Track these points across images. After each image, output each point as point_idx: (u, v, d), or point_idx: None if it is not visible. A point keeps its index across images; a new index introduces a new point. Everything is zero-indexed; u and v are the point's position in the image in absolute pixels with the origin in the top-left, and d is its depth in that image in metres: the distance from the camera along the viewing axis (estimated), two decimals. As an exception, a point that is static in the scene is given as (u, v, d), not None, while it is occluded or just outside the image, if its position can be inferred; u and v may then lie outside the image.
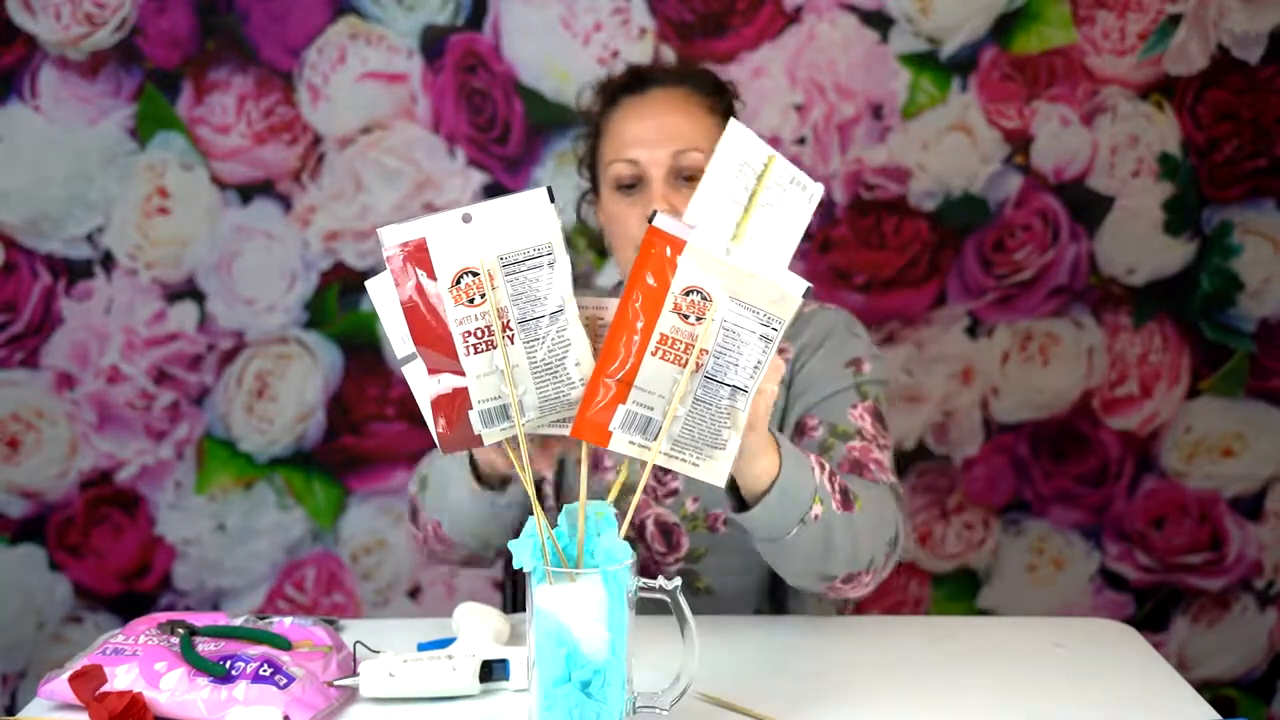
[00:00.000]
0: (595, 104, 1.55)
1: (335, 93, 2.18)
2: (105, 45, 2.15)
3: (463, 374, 1.02)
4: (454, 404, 1.03)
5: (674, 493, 1.50)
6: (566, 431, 1.05)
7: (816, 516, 1.20)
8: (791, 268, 1.12)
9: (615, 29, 2.17)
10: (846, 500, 1.23)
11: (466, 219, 1.01)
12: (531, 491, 1.05)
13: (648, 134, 1.44)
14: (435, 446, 1.42)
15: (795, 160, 2.18)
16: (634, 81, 1.50)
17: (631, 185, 1.45)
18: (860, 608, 1.78)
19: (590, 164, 1.55)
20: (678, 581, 1.05)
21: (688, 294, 1.02)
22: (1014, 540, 2.29)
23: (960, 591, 2.30)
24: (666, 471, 1.45)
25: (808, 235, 2.21)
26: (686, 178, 1.43)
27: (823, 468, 1.22)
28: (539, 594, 1.02)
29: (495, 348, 1.02)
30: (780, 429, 1.49)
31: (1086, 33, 2.18)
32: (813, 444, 1.42)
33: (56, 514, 2.24)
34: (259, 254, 2.20)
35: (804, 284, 1.04)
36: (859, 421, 1.42)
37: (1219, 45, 2.18)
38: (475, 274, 1.01)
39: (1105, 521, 2.29)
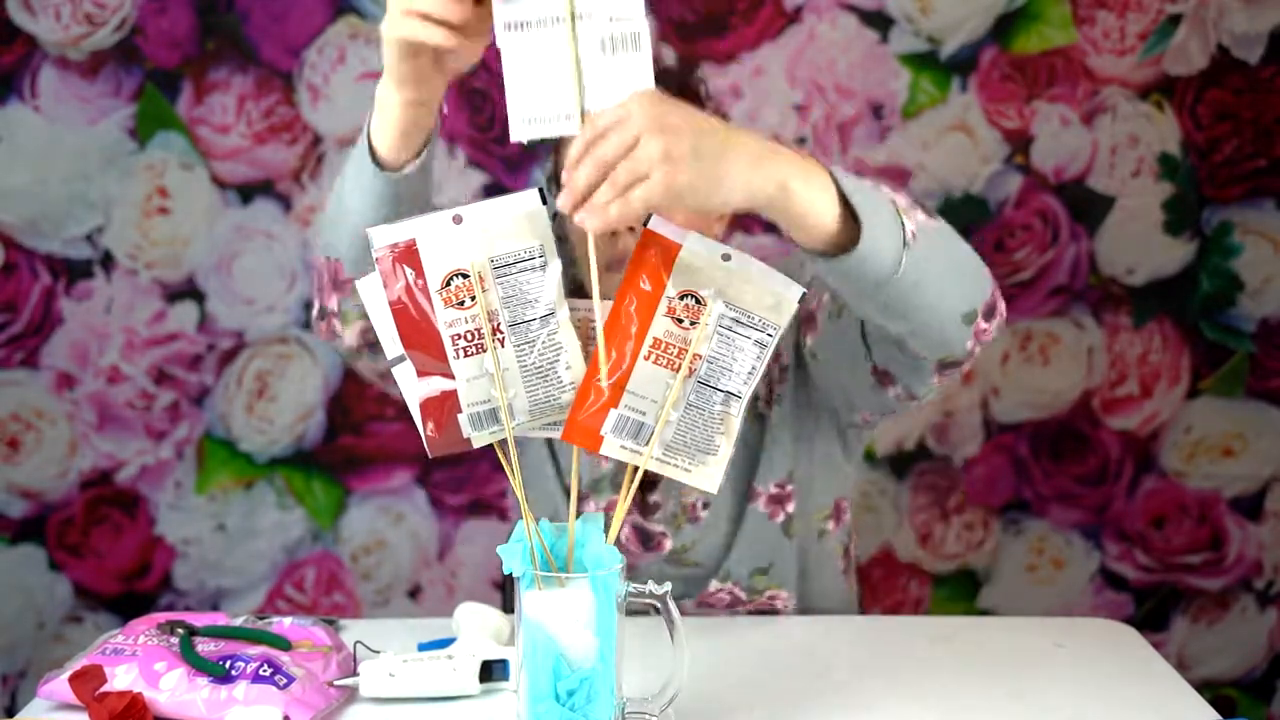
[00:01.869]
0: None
1: (335, 93, 2.18)
2: (105, 45, 2.15)
3: (452, 377, 1.02)
4: (443, 407, 1.02)
5: (658, 507, 1.44)
6: (558, 435, 1.05)
7: (914, 235, 1.05)
8: (790, 267, 1.12)
9: (615, 29, 2.16)
10: (928, 211, 1.09)
11: (457, 220, 1.00)
12: (522, 496, 1.04)
13: None
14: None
15: (795, 160, 2.19)
16: None
17: None
18: (860, 608, 1.78)
19: (556, 180, 1.52)
20: (667, 587, 1.05)
21: (682, 298, 1.02)
22: (1014, 540, 2.29)
23: (960, 592, 2.30)
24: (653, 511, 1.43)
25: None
26: None
27: (880, 183, 1.07)
28: (527, 600, 1.02)
29: (485, 351, 1.01)
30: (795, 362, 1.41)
31: (1086, 33, 2.18)
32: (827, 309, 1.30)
33: (56, 514, 2.24)
34: (259, 254, 2.20)
35: (800, 289, 1.03)
36: None
37: (1219, 45, 2.18)
38: (465, 276, 1.00)
39: (1105, 521, 2.29)
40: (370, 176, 1.13)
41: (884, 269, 1.05)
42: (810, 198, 1.02)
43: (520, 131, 0.99)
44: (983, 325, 1.15)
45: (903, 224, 1.04)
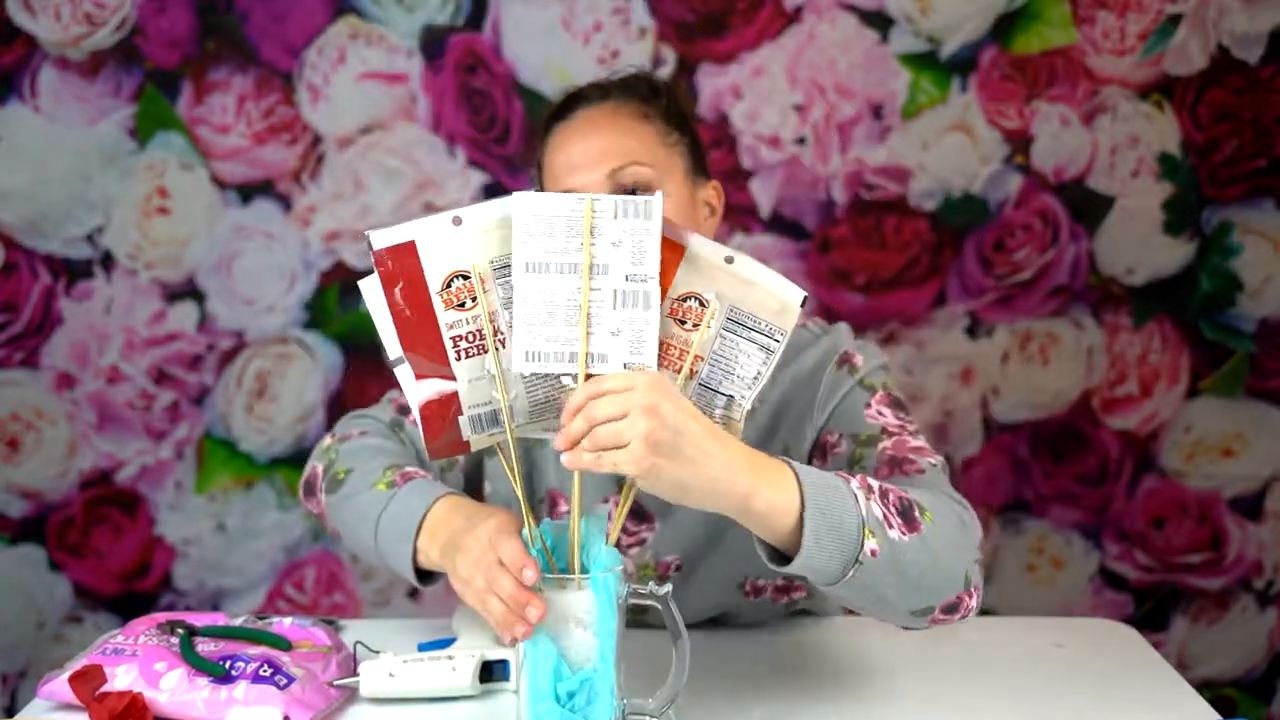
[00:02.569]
0: (537, 138, 1.45)
1: (335, 93, 2.18)
2: (105, 45, 2.15)
3: (452, 378, 1.02)
4: (444, 409, 1.02)
5: (641, 542, 1.39)
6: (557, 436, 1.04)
7: (874, 552, 1.04)
8: (791, 269, 1.12)
9: (615, 29, 2.17)
10: (910, 520, 1.08)
11: (457, 222, 1.00)
12: (521, 495, 1.04)
13: (578, 159, 1.33)
14: (351, 413, 1.41)
15: (795, 161, 2.19)
16: (562, 107, 1.40)
17: None
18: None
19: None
20: (668, 588, 1.04)
21: (685, 300, 1.02)
22: (1014, 540, 2.29)
23: (960, 591, 2.30)
24: (641, 521, 1.41)
25: (808, 235, 2.22)
26: (630, 192, 1.31)
27: (869, 491, 1.07)
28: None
29: (486, 352, 1.01)
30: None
31: (1086, 33, 2.18)
32: (841, 461, 1.28)
33: (56, 514, 2.24)
34: (259, 254, 2.20)
35: (801, 293, 1.02)
36: (879, 419, 1.28)
37: (1219, 45, 2.18)
38: (466, 277, 1.00)
39: (1105, 521, 2.29)
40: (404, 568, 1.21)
41: (826, 578, 1.05)
42: (770, 512, 1.02)
43: (521, 365, 1.01)
44: (940, 617, 1.13)
45: (862, 543, 1.04)
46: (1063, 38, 2.18)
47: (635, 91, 1.38)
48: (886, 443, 1.25)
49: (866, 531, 1.04)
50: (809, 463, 1.33)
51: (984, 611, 2.29)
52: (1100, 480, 2.28)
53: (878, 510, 1.06)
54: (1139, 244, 2.22)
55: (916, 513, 1.08)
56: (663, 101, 1.38)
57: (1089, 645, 1.34)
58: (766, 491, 1.01)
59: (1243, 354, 2.26)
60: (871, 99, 2.19)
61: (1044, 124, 2.19)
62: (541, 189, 1.41)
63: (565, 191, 1.26)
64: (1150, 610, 2.30)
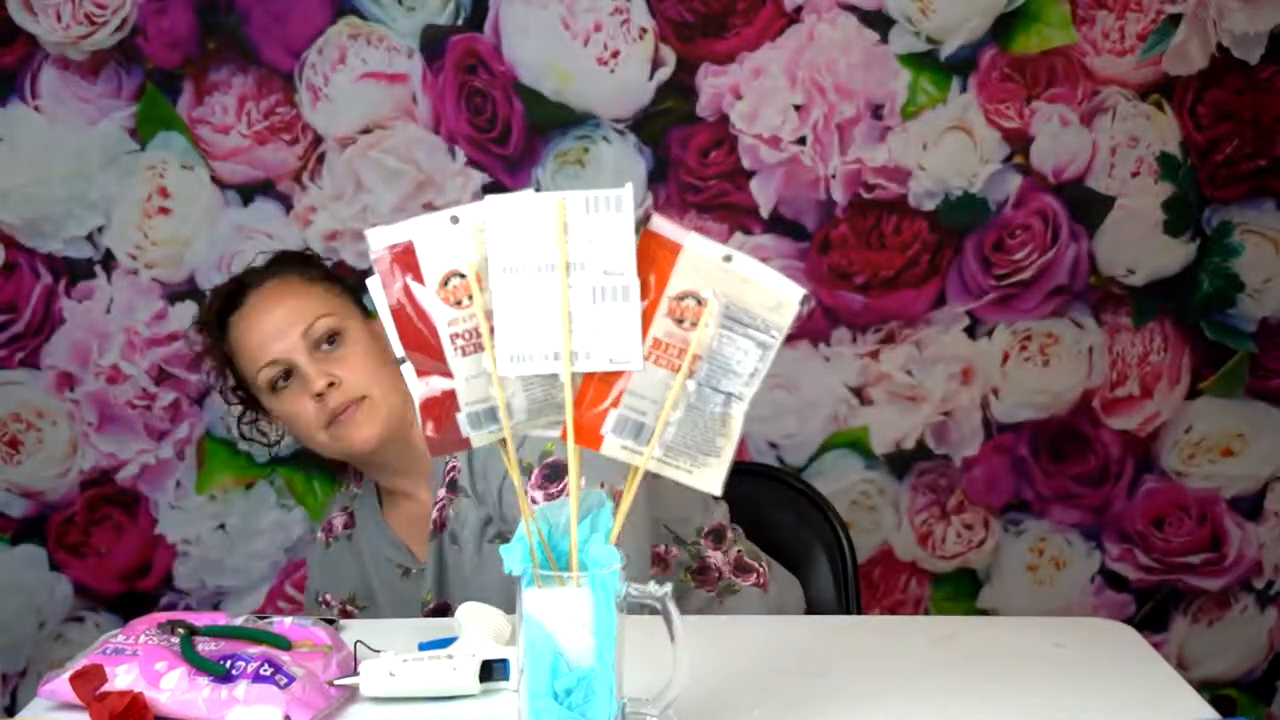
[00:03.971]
0: (206, 339, 1.61)
1: (335, 93, 2.18)
2: (105, 45, 2.15)
3: (451, 376, 1.02)
4: (443, 406, 1.02)
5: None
6: (556, 434, 1.05)
7: None
8: (791, 269, 1.12)
9: (615, 29, 2.17)
10: None
11: (454, 221, 1.01)
12: (521, 492, 1.04)
13: (270, 332, 1.53)
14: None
15: (794, 161, 2.19)
16: (229, 301, 1.57)
17: (286, 376, 1.53)
18: (860, 607, 1.78)
19: (235, 388, 1.60)
20: (668, 588, 1.05)
21: (682, 299, 1.02)
22: (1014, 540, 2.29)
23: (960, 591, 2.30)
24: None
25: (807, 235, 2.22)
26: (328, 340, 1.53)
27: None
28: (527, 598, 1.02)
29: (483, 350, 1.02)
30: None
31: (1086, 33, 2.18)
32: None
33: (57, 514, 2.24)
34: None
35: (801, 291, 1.02)
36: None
37: (1219, 45, 2.18)
38: (463, 276, 1.01)
39: (1105, 521, 2.29)
40: None
41: None
42: None
43: (506, 368, 1.01)
44: None
45: None
46: (1062, 38, 2.18)
47: (291, 267, 1.59)
48: None
49: None
50: None
51: (984, 611, 2.31)
52: (1101, 480, 2.28)
53: None
54: (1139, 244, 2.23)
55: None
56: (316, 270, 1.59)
57: (1089, 645, 1.34)
58: None
59: (1243, 354, 2.26)
60: (871, 99, 2.19)
61: (1044, 124, 2.19)
62: (231, 375, 1.59)
63: (268, 363, 1.50)
64: (1150, 610, 2.30)
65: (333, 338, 1.53)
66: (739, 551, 1.62)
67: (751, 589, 1.60)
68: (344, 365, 1.53)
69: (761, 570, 1.62)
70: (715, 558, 1.60)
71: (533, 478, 1.45)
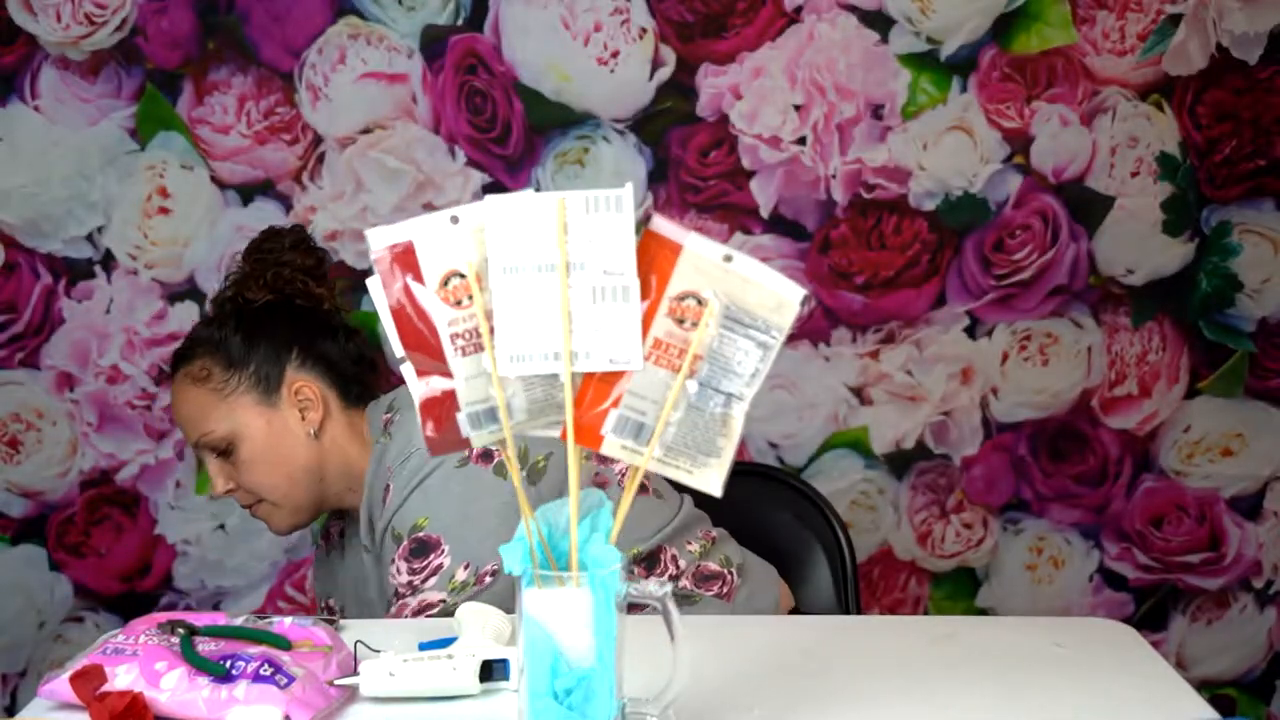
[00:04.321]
0: None
1: (335, 93, 2.18)
2: (105, 45, 2.15)
3: (451, 376, 1.02)
4: (442, 406, 1.02)
5: None
6: (556, 434, 1.05)
7: None
8: (791, 269, 1.12)
9: (615, 29, 2.17)
10: None
11: (454, 220, 1.01)
12: (520, 492, 1.04)
13: (181, 426, 1.63)
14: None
15: (794, 161, 2.19)
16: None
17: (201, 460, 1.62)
18: (859, 607, 1.79)
19: None
20: (668, 588, 1.05)
21: (682, 299, 1.02)
22: (1013, 540, 2.29)
23: (959, 591, 2.30)
24: None
25: (807, 235, 2.22)
26: (221, 452, 1.57)
27: None
28: (527, 598, 1.02)
29: (483, 350, 1.02)
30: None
31: (1086, 33, 2.18)
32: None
33: (57, 514, 2.24)
34: (259, 254, 2.20)
35: (801, 291, 1.02)
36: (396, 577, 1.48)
37: (1218, 45, 2.18)
38: (463, 276, 1.01)
39: (1104, 521, 2.29)
40: None
41: None
42: None
43: (506, 368, 1.01)
44: None
45: None
46: (1062, 38, 2.18)
47: (187, 358, 1.59)
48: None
49: None
50: None
51: (984, 611, 2.31)
52: (1100, 480, 2.28)
53: None
54: (1138, 244, 2.23)
55: None
56: (216, 346, 1.57)
57: (1089, 645, 1.34)
58: None
59: (1242, 354, 2.26)
60: (871, 99, 2.19)
61: (1044, 124, 2.19)
62: None
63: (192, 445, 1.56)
64: (1150, 610, 2.30)
65: (225, 449, 1.56)
66: (699, 565, 1.57)
67: (712, 599, 1.56)
68: (241, 471, 1.57)
69: (729, 577, 1.58)
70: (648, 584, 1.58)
71: (400, 548, 1.46)
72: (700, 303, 1.02)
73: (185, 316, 2.20)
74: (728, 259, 1.02)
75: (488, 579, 1.43)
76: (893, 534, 2.28)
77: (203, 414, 1.56)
